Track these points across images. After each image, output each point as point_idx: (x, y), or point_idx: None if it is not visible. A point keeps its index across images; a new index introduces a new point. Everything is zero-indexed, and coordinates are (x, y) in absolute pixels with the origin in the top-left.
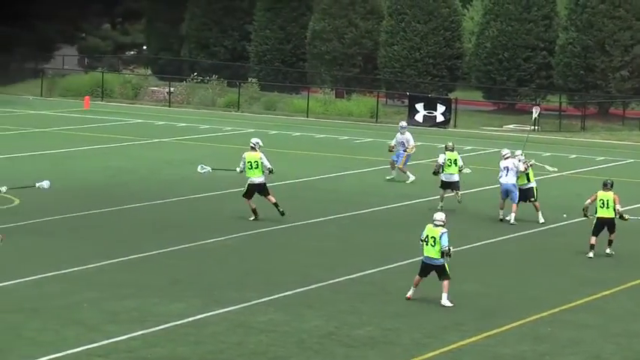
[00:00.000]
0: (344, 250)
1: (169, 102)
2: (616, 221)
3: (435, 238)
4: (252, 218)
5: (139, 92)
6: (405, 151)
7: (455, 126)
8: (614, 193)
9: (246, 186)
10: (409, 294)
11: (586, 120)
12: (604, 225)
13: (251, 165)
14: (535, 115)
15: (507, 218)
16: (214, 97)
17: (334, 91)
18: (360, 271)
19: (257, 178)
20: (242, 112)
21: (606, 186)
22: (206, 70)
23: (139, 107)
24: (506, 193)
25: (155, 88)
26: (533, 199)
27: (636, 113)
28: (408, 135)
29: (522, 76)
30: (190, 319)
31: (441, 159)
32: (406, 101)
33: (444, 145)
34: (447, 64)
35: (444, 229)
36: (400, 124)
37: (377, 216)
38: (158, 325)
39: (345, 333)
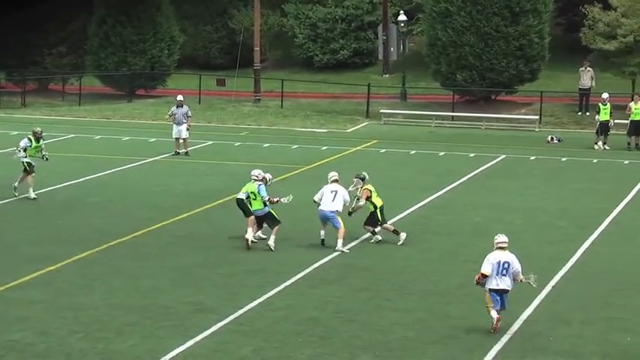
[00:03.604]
0: None
1: None
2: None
3: (254, 192)
4: None
5: None
6: None
7: None
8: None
9: None
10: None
11: (26, 96)
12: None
13: None
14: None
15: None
16: None
17: None
18: None
19: None
20: None
21: (364, 180)
22: None
23: None
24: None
25: None
26: None
27: (75, 88)
28: None
29: None
30: None
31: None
32: None
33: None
34: None
35: (260, 183)
36: None
37: None
38: None
39: None
